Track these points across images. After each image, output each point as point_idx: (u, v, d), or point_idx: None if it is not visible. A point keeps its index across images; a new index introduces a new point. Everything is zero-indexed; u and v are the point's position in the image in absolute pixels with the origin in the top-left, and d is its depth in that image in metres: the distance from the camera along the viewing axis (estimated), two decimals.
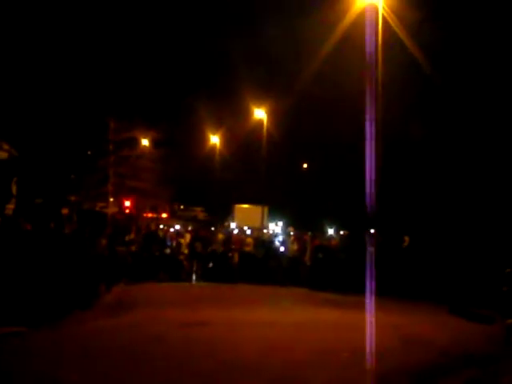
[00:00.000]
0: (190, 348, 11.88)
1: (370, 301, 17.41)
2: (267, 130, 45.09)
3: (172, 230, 39.46)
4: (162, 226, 39.92)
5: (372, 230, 22.74)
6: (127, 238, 30.50)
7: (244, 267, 29.21)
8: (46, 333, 13.36)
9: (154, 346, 11.95)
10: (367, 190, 21.71)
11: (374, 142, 22.40)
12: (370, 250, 22.49)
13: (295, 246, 29.81)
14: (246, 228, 39.48)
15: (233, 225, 45.63)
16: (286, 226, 44.68)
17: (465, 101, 28.26)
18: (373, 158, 22.03)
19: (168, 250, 30.56)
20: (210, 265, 29.85)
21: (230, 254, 29.85)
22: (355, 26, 26.72)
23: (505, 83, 26.64)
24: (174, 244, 31.93)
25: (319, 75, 34.98)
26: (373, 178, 21.81)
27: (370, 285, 17.75)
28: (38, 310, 14.57)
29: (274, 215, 49.61)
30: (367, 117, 22.77)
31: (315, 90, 36.94)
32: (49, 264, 16.12)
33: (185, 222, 53.27)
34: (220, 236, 32.45)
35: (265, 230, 41.31)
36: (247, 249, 30.24)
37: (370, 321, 15.02)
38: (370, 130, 22.51)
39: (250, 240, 31.23)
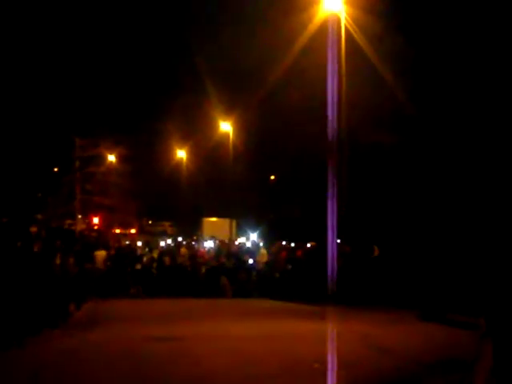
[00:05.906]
0: (160, 363, 11.80)
1: (339, 311, 17.48)
2: (233, 142, 45.05)
3: (139, 243, 39.39)
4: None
5: (338, 241, 22.73)
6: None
7: (211, 280, 29.15)
8: (14, 352, 13.21)
9: (123, 362, 11.88)
10: (331, 198, 21.82)
11: (336, 150, 22.50)
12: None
13: (264, 258, 29.80)
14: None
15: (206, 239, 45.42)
16: (255, 238, 44.65)
17: (430, 110, 28.43)
18: (334, 166, 22.14)
19: (139, 266, 30.38)
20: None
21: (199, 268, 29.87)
22: (319, 36, 26.83)
23: (470, 91, 26.85)
24: (145, 258, 31.87)
25: (283, 85, 35.08)
26: (336, 184, 21.94)
27: (337, 295, 17.80)
28: (7, 330, 14.41)
29: (243, 228, 49.50)
30: (329, 125, 22.84)
31: (280, 99, 37.03)
32: (17, 283, 15.95)
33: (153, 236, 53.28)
34: (183, 250, 32.20)
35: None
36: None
37: (340, 331, 15.07)
38: (331, 136, 22.59)
39: None
